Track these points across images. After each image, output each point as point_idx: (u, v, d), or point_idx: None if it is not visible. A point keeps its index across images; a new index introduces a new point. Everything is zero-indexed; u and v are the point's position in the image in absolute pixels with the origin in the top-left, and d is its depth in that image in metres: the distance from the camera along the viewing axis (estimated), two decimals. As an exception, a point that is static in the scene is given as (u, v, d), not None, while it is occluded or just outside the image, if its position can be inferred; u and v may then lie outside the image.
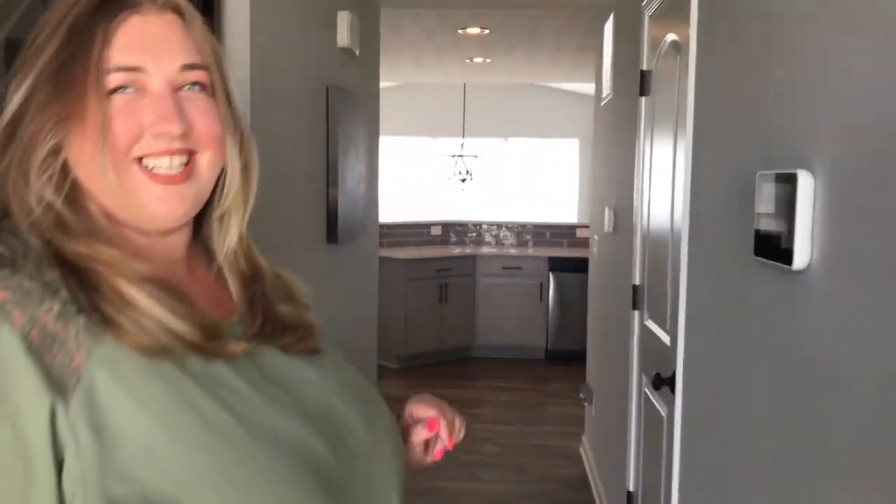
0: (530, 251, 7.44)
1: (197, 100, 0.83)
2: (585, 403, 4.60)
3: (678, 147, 2.35)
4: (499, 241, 7.80)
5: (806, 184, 1.33)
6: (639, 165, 3.04)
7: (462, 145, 9.55)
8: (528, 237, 7.78)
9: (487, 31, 5.35)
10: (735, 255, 1.74)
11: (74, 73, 0.77)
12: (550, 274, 7.13)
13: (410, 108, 9.64)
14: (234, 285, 0.91)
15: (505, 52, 6.18)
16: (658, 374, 2.43)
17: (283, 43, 2.32)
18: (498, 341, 7.19)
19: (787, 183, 1.38)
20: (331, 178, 2.77)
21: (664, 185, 2.57)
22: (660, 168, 2.67)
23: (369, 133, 3.56)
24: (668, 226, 2.47)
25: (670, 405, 2.36)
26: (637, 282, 3.02)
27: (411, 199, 9.75)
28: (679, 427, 2.27)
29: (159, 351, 0.74)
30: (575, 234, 7.68)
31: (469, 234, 7.81)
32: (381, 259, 6.92)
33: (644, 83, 2.93)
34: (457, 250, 7.38)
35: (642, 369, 2.94)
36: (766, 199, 1.50)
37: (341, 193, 2.83)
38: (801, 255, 1.34)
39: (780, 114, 1.51)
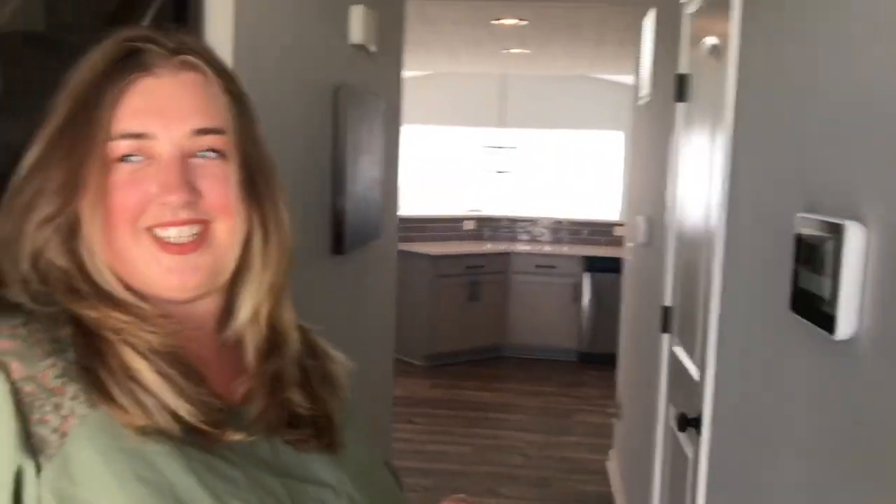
0: (565, 249, 7.20)
1: (209, 166, 0.80)
2: (613, 419, 4.37)
3: (713, 166, 2.11)
4: (533, 238, 7.56)
5: (856, 238, 1.10)
6: (672, 177, 2.80)
7: (500, 136, 9.31)
8: (564, 234, 7.54)
9: (525, 23, 5.12)
10: (769, 304, 1.51)
11: (78, 139, 0.76)
12: (586, 274, 6.89)
13: (446, 97, 9.42)
14: (250, 357, 0.86)
15: (543, 44, 5.94)
16: (683, 415, 2.20)
17: (278, 41, 2.13)
18: (529, 342, 6.98)
19: (833, 235, 1.15)
20: (337, 185, 2.58)
21: (699, 203, 2.33)
22: (695, 184, 2.43)
23: (388, 133, 3.36)
24: (702, 248, 2.24)
25: (696, 448, 2.14)
26: (668, 303, 2.79)
27: (445, 191, 9.55)
28: (704, 476, 2.05)
29: (153, 432, 0.71)
30: (613, 232, 7.41)
31: (503, 230, 7.58)
32: (410, 254, 6.76)
33: (681, 88, 2.69)
34: (489, 246, 7.17)
35: (670, 399, 2.71)
36: (806, 249, 1.27)
37: (350, 201, 2.65)
38: (847, 323, 1.12)
39: (830, 146, 1.28)
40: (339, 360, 0.96)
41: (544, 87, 9.05)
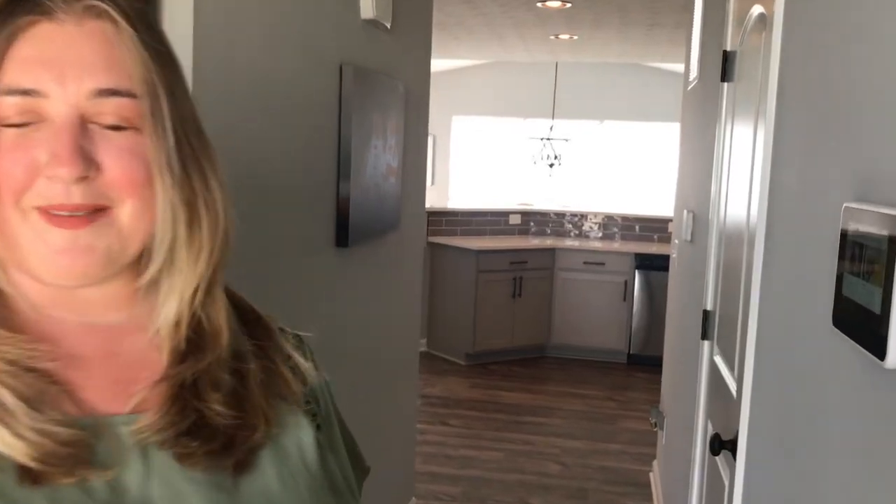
0: (616, 245, 6.88)
1: (114, 137, 0.66)
2: (656, 429, 4.08)
3: (756, 150, 1.83)
4: (582, 234, 7.26)
5: (916, 236, 0.83)
6: (717, 166, 2.51)
7: (551, 128, 9.00)
8: (615, 230, 7.21)
9: (569, 5, 4.83)
10: (809, 315, 1.24)
11: None
12: (636, 271, 6.57)
13: (498, 87, 9.15)
14: (163, 358, 0.73)
15: (592, 29, 5.63)
16: (718, 436, 1.93)
17: (275, 8, 1.93)
18: (575, 342, 6.69)
19: (890, 230, 0.88)
20: (342, 172, 2.37)
21: (741, 194, 2.05)
22: (738, 172, 2.15)
23: (410, 117, 3.14)
24: (742, 246, 1.96)
25: (732, 474, 1.87)
26: (709, 306, 2.51)
27: (495, 184, 9.29)
28: (739, 508, 1.78)
29: None
30: (667, 228, 7.06)
31: (550, 225, 7.29)
32: (451, 249, 6.54)
33: (727, 66, 2.40)
34: (535, 241, 6.90)
35: (708, 415, 2.43)
36: (853, 248, 1.00)
37: (357, 189, 2.43)
38: (902, 348, 0.85)
39: (887, 121, 1.00)
40: (304, 369, 0.81)
41: (597, 76, 8.72)
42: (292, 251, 2.18)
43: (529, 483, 4.20)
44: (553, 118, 9.02)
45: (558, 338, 6.72)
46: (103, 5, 0.66)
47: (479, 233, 7.03)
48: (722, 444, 1.91)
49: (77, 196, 0.65)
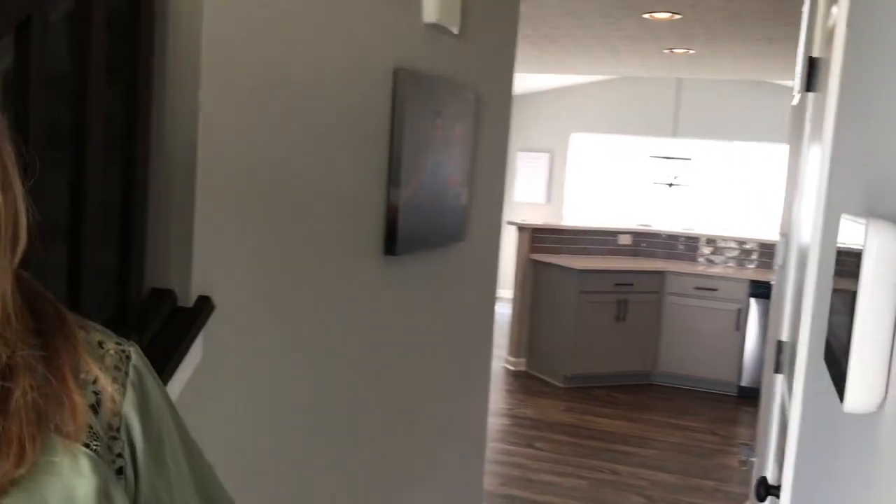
0: (730, 271, 6.52)
1: None
2: (744, 468, 3.78)
3: (822, 164, 1.64)
4: (695, 257, 6.91)
5: (881, 250, 0.68)
6: (799, 185, 2.29)
7: (672, 146, 8.67)
8: (730, 254, 6.83)
9: (679, 16, 4.61)
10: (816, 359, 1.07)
11: None
12: (751, 299, 6.19)
13: (616, 104, 8.91)
14: None
15: (707, 42, 5.37)
16: (764, 480, 1.73)
17: (315, 17, 1.90)
18: (682, 371, 6.37)
19: (856, 243, 0.73)
20: (393, 178, 2.31)
21: (808, 216, 1.85)
22: (809, 193, 1.94)
23: (485, 126, 3.05)
24: (803, 270, 1.76)
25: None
26: (784, 336, 2.28)
27: (610, 203, 9.02)
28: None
29: None
30: (789, 255, 6.64)
31: (661, 247, 6.99)
32: (551, 267, 6.38)
33: (811, 74, 2.19)
34: (644, 263, 6.63)
35: (776, 457, 2.20)
36: (843, 268, 0.84)
37: (409, 197, 2.37)
38: (861, 389, 0.69)
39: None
40: (108, 396, 0.65)
41: (719, 93, 8.33)
42: (338, 257, 2.13)
43: (609, 515, 4.00)
44: (674, 136, 8.70)
45: (665, 365, 6.42)
46: None
47: (586, 252, 6.83)
48: (768, 490, 1.71)
49: None
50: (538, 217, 8.00)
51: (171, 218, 1.53)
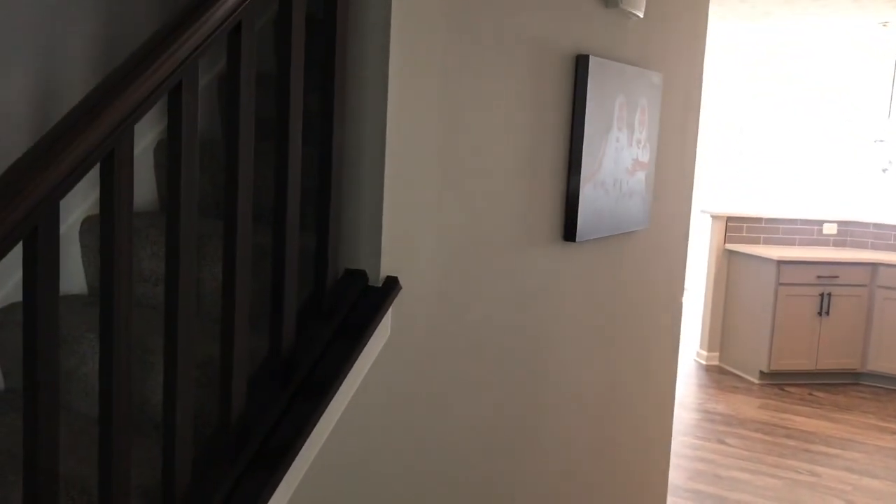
0: (953, 264, 5.94)
1: None
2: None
3: None
4: (911, 248, 6.36)
5: None
6: None
7: (887, 128, 7.98)
8: (954, 246, 6.22)
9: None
10: None
11: None
12: (978, 295, 5.63)
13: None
14: None
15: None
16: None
17: (495, 5, 1.96)
18: (894, 370, 5.89)
19: None
20: (573, 165, 2.33)
21: None
22: None
23: (672, 111, 2.99)
24: None
25: None
26: None
27: (814, 190, 8.45)
28: None
29: None
30: None
31: (870, 237, 6.49)
32: (748, 257, 6.10)
33: None
34: (851, 254, 6.18)
35: None
36: None
37: (589, 183, 2.38)
38: None
39: None
40: None
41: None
42: (518, 243, 2.19)
43: (805, 518, 3.80)
44: (889, 116, 8.00)
45: (874, 364, 5.96)
46: None
47: (787, 242, 6.47)
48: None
49: None
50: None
51: (362, 203, 1.64)
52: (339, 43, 1.55)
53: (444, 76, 1.81)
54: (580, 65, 2.32)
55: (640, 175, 2.74)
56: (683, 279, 3.44)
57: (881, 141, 7.97)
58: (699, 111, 3.34)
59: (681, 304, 3.43)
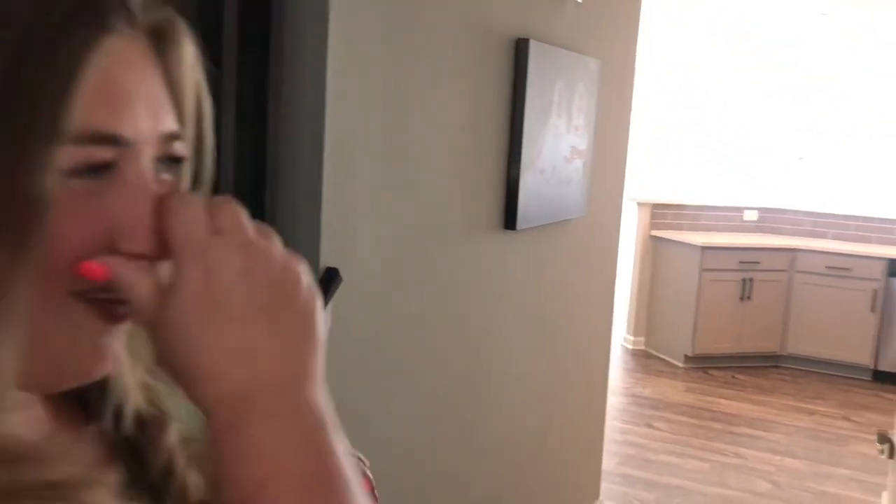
0: (866, 249, 6.16)
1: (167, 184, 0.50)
2: (883, 455, 3.58)
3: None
4: (826, 235, 6.57)
5: None
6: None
7: (803, 117, 8.23)
8: (866, 232, 6.45)
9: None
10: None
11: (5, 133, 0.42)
12: (890, 280, 5.84)
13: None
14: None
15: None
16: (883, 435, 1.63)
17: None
18: (812, 353, 6.09)
19: None
20: (513, 153, 2.29)
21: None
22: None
23: (607, 97, 2.98)
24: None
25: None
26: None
27: (733, 178, 8.66)
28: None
29: None
30: (933, 233, 6.22)
31: (790, 224, 6.68)
32: (672, 243, 6.21)
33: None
34: (771, 241, 6.35)
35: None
36: None
37: (529, 171, 2.34)
38: None
39: None
40: None
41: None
42: (458, 231, 2.14)
43: (732, 499, 3.87)
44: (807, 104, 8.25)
45: (794, 347, 6.15)
46: (161, 18, 0.50)
47: (710, 228, 6.61)
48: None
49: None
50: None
51: (300, 192, 1.56)
52: (274, 28, 1.46)
53: (384, 61, 1.74)
54: (520, 49, 2.27)
55: (578, 163, 2.72)
56: (616, 266, 3.45)
57: (799, 129, 8.21)
58: (631, 99, 3.34)
59: (613, 290, 3.44)
